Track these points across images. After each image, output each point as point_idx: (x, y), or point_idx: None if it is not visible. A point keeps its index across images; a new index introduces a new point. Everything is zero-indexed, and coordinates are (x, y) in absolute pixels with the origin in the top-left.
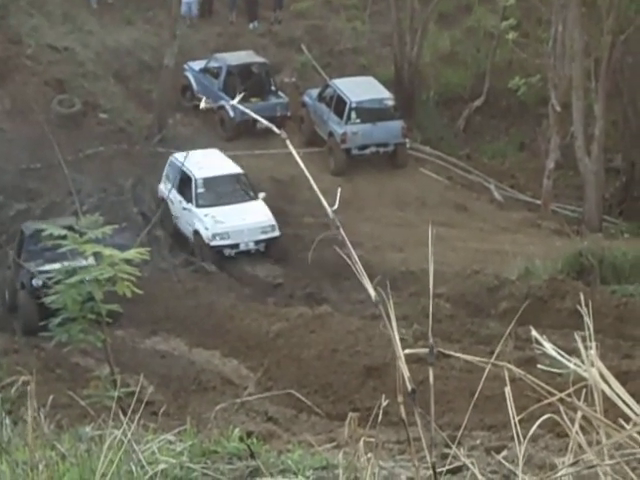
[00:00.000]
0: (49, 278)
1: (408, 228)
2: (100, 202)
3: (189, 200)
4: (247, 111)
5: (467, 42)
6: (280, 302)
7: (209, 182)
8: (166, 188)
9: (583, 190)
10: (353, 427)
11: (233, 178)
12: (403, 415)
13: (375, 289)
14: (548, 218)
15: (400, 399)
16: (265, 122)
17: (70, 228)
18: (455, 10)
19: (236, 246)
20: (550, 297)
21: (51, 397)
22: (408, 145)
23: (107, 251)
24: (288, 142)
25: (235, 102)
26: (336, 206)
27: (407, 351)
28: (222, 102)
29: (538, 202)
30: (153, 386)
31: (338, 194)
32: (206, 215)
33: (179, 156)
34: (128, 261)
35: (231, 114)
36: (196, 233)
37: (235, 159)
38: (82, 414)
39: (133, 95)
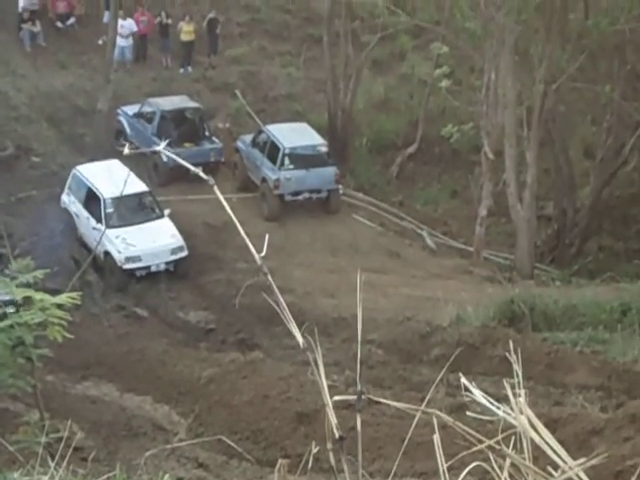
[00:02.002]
0: None
1: (340, 274)
2: (32, 246)
3: (98, 219)
4: (175, 157)
5: (401, 89)
6: (212, 347)
7: (118, 202)
8: (70, 201)
9: (515, 237)
10: (283, 473)
11: (140, 196)
12: (332, 462)
13: (304, 336)
14: (480, 265)
15: (329, 446)
16: (193, 169)
17: None
18: (389, 57)
19: (147, 268)
20: (482, 344)
21: None
22: (341, 191)
23: (38, 295)
24: (216, 188)
25: (162, 146)
26: (264, 252)
27: (336, 397)
28: (155, 147)
29: (470, 249)
30: (83, 432)
31: (266, 241)
32: (117, 237)
33: (82, 168)
34: (59, 305)
35: (164, 159)
36: (107, 254)
37: (168, 204)
38: (11, 459)
39: (66, 139)
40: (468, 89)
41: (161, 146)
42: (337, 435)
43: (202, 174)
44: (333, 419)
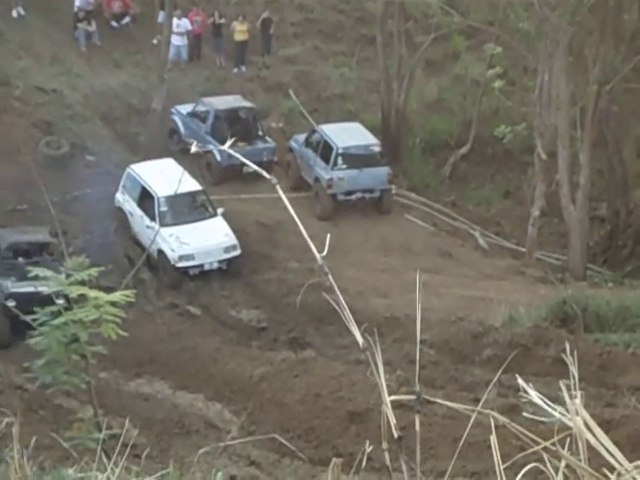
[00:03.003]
0: (22, 299)
1: (392, 274)
2: (86, 244)
3: (152, 218)
4: (237, 156)
5: (454, 90)
6: (264, 346)
7: (171, 200)
8: (124, 199)
9: (568, 238)
10: (337, 473)
11: (194, 195)
12: (387, 462)
13: (363, 335)
14: (532, 266)
15: (385, 446)
16: (256, 167)
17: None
18: (442, 58)
19: (200, 266)
20: (534, 345)
21: (34, 438)
22: (394, 191)
23: (92, 293)
24: (278, 188)
25: (226, 147)
26: (325, 252)
27: (393, 397)
28: (209, 146)
29: (523, 250)
30: (136, 429)
31: (327, 241)
32: (170, 235)
33: (136, 167)
34: (113, 303)
35: (218, 158)
36: (160, 252)
37: (221, 203)
38: (65, 456)
39: (121, 138)
40: (521, 90)
41: (225, 146)
42: (396, 435)
43: (265, 173)
44: (392, 419)
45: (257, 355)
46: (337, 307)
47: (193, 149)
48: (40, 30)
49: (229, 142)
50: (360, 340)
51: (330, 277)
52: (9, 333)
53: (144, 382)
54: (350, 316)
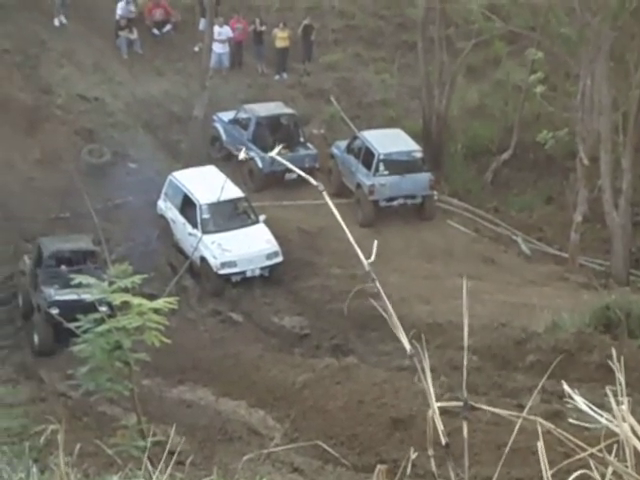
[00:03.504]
0: (66, 306)
1: (435, 280)
2: (129, 251)
3: (194, 225)
4: (285, 162)
5: (495, 95)
6: (306, 353)
7: (213, 208)
8: (166, 207)
9: (610, 244)
10: (381, 479)
11: (236, 202)
12: (433, 468)
13: (410, 342)
14: (575, 271)
15: (430, 452)
16: (303, 174)
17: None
18: (483, 63)
19: (242, 273)
20: (577, 350)
21: (78, 446)
22: (436, 197)
23: (136, 300)
24: (325, 194)
25: (273, 154)
26: (372, 259)
27: (440, 404)
28: (251, 153)
29: (565, 255)
30: (179, 436)
31: (374, 248)
32: (213, 242)
33: (178, 175)
34: (156, 310)
35: (260, 165)
36: (203, 259)
37: (263, 210)
38: (109, 463)
39: (162, 145)
40: (563, 95)
41: (273, 152)
42: (443, 441)
43: (312, 180)
44: (440, 425)
45: (300, 362)
46: (384, 314)
47: (241, 156)
48: (82, 38)
49: (276, 149)
50: (407, 347)
51: (377, 284)
52: (52, 341)
53: (187, 389)
54: (397, 323)
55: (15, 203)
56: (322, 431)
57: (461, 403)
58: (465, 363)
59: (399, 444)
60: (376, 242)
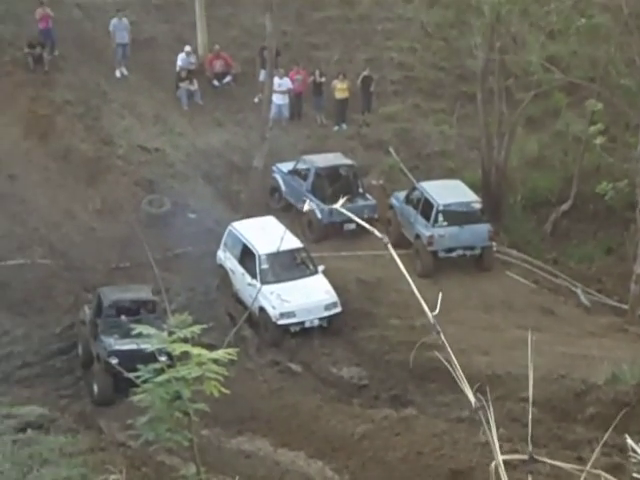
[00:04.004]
0: (125, 356)
1: (494, 331)
2: (188, 301)
3: (253, 275)
4: (348, 214)
5: (555, 146)
6: (365, 404)
7: (272, 258)
8: (225, 257)
9: None
10: None
11: (295, 252)
12: None
13: (475, 395)
14: (635, 323)
15: None
16: (368, 227)
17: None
18: (543, 114)
19: (301, 323)
20: (637, 403)
21: None
22: (495, 248)
23: (195, 350)
24: (390, 247)
25: (337, 206)
26: (437, 311)
27: (505, 457)
28: (313, 204)
29: (625, 307)
30: None
31: (439, 300)
32: (272, 293)
33: (237, 225)
34: (216, 361)
35: (319, 216)
36: (261, 310)
37: (322, 260)
38: None
39: (222, 196)
40: (623, 146)
41: (338, 204)
42: None
43: (377, 232)
44: (504, 478)
45: (358, 413)
46: (449, 366)
47: (305, 207)
48: (143, 90)
49: (340, 201)
50: (472, 399)
51: (442, 336)
52: (112, 390)
53: (245, 439)
54: (462, 375)
55: (76, 253)
56: None
57: (525, 456)
58: (530, 417)
59: None
60: (440, 294)
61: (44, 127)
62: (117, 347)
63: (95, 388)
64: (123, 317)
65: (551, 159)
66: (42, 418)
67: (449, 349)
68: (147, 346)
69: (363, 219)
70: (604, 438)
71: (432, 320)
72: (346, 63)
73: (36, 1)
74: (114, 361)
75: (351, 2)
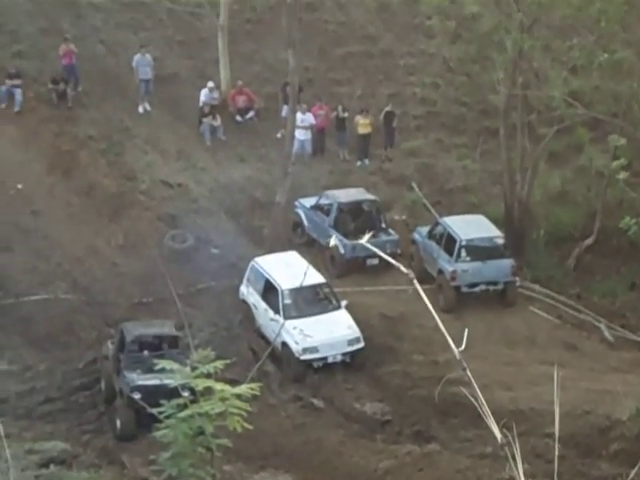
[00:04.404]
0: (148, 391)
1: (517, 367)
2: (211, 336)
3: (276, 310)
4: (374, 249)
5: (578, 181)
6: (388, 439)
7: (295, 293)
8: (248, 292)
9: None
10: None
11: (317, 288)
12: None
13: (501, 431)
14: None
15: None
16: (394, 262)
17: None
18: (566, 150)
19: (324, 359)
20: None
21: None
22: (518, 283)
23: (218, 386)
24: (416, 282)
25: (363, 241)
26: (463, 347)
27: None
28: (336, 239)
29: None
30: None
31: (465, 335)
32: (294, 328)
33: (260, 260)
34: (239, 396)
35: (342, 251)
36: (284, 345)
37: (345, 295)
38: None
39: (245, 231)
40: None
41: (365, 239)
42: None
43: (402, 268)
44: None
45: (381, 448)
46: (475, 402)
47: (331, 243)
48: (166, 125)
49: (366, 237)
50: (498, 436)
51: (469, 372)
52: (134, 426)
53: (268, 475)
54: (488, 411)
55: (99, 288)
56: None
57: None
58: (556, 453)
59: None
60: (466, 331)
61: (67, 163)
62: (140, 382)
63: (118, 423)
64: (146, 352)
65: (574, 194)
66: (65, 453)
67: (475, 386)
68: (170, 381)
69: (386, 254)
70: (630, 475)
71: (458, 356)
72: (369, 98)
73: (60, 37)
74: (137, 396)
75: (373, 38)
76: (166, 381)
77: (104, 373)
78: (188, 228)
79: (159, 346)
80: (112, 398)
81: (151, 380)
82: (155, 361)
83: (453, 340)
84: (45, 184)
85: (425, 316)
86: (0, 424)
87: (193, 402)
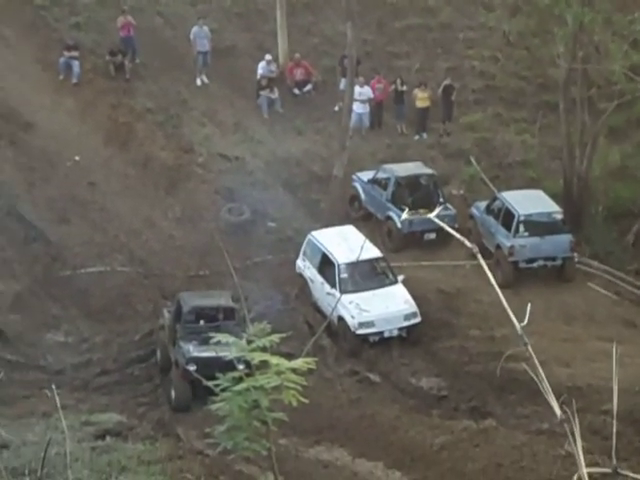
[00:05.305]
0: (203, 363)
1: (575, 343)
2: (267, 310)
3: (332, 284)
4: (437, 221)
5: (638, 156)
6: (444, 415)
7: (352, 267)
8: (304, 266)
9: None
10: None
11: (374, 262)
12: None
13: (561, 407)
14: None
15: None
16: (458, 236)
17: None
18: (626, 124)
19: (380, 333)
20: None
21: None
22: (576, 259)
23: (274, 359)
24: (479, 256)
25: (435, 214)
26: (525, 322)
27: (589, 469)
28: (390, 213)
29: None
30: None
31: (528, 310)
32: (350, 302)
33: (317, 234)
34: (294, 370)
35: (399, 225)
36: (340, 319)
37: (402, 270)
38: None
39: (302, 205)
40: None
41: (434, 213)
42: None
43: (467, 242)
44: None
45: (437, 424)
46: (535, 377)
47: (403, 216)
48: (223, 98)
49: (436, 211)
50: (558, 412)
51: (530, 348)
52: (190, 397)
53: (323, 449)
54: (548, 387)
55: (155, 261)
56: None
57: (609, 470)
58: (614, 430)
59: None
60: (529, 306)
61: (124, 135)
62: (196, 354)
63: (173, 394)
64: (202, 323)
65: (634, 169)
66: (120, 425)
67: (536, 362)
68: (226, 354)
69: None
70: None
71: (520, 331)
72: (427, 72)
73: (118, 9)
74: (192, 368)
75: (432, 10)
76: (221, 353)
77: (160, 343)
78: (245, 201)
79: (215, 317)
80: (168, 368)
81: (207, 352)
82: (211, 334)
83: (513, 315)
84: (102, 156)
85: (482, 291)
86: (57, 396)
87: (248, 375)
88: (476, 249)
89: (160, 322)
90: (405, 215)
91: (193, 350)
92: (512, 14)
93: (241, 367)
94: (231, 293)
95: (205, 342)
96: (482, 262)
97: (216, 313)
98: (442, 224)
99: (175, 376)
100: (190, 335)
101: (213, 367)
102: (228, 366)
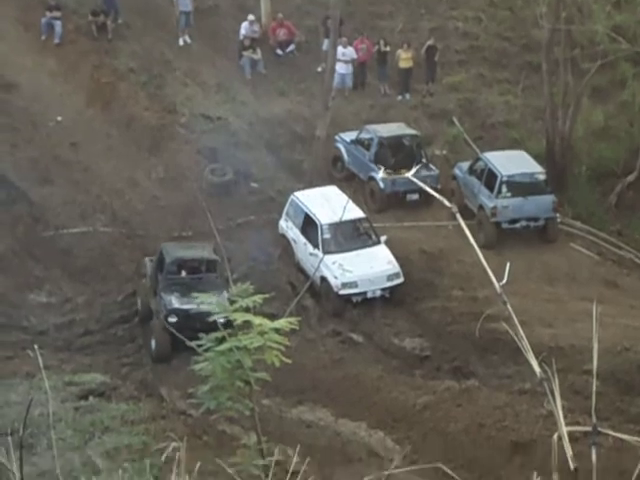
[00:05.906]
0: (184, 315)
1: (557, 303)
2: (250, 271)
3: (315, 245)
4: (417, 182)
5: (621, 117)
6: (427, 375)
7: (334, 228)
8: (287, 227)
9: None
10: None
11: (357, 222)
12: None
13: (541, 366)
14: None
15: (556, 477)
16: (438, 196)
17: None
18: (609, 85)
19: (363, 294)
20: None
21: (198, 464)
22: (559, 220)
23: (257, 320)
24: (459, 216)
25: (409, 175)
26: (504, 281)
27: (569, 428)
28: (372, 173)
29: None
30: (298, 456)
31: (507, 270)
32: (333, 263)
33: (300, 195)
34: (277, 330)
35: (381, 186)
36: (323, 279)
37: (384, 230)
38: None
39: (284, 165)
40: None
41: (411, 172)
42: (572, 466)
43: (446, 201)
44: (569, 450)
45: (420, 384)
46: (515, 337)
47: (381, 175)
48: (206, 58)
49: (413, 170)
50: (537, 371)
51: (509, 307)
52: (170, 348)
53: (306, 409)
54: (528, 346)
55: (138, 221)
56: (442, 454)
57: (589, 428)
58: (594, 389)
59: (519, 468)
60: (508, 265)
61: (107, 95)
62: (177, 306)
63: (153, 344)
64: (184, 274)
65: (617, 130)
66: (104, 386)
67: (516, 321)
68: (206, 307)
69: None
70: None
71: (499, 290)
72: (410, 32)
73: None
74: (173, 320)
75: None
76: (203, 307)
77: (141, 292)
78: (228, 162)
79: (198, 269)
80: (148, 318)
81: (188, 304)
82: (194, 292)
83: (494, 275)
84: (85, 116)
85: (465, 252)
86: (40, 356)
87: (231, 335)
88: (455, 209)
89: (141, 270)
90: (382, 174)
91: (175, 302)
92: None
93: (221, 320)
94: (213, 245)
95: (186, 294)
96: (462, 223)
97: (199, 265)
98: (421, 184)
99: (155, 326)
100: (172, 286)
101: (193, 320)
102: (209, 320)
